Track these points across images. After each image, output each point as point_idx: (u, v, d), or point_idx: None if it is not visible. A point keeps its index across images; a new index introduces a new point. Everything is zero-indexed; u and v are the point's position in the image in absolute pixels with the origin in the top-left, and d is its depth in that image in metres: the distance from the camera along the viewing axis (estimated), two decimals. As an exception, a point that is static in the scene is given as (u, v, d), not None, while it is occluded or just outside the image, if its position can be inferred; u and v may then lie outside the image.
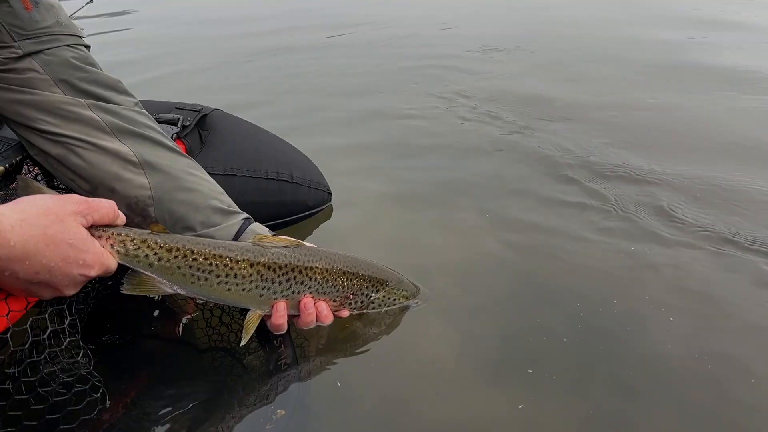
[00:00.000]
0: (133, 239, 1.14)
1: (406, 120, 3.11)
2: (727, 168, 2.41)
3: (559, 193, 2.24)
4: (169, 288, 1.19)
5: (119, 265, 1.13)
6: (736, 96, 3.38)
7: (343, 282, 1.35)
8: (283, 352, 1.32)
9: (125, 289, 1.17)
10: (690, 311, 1.57)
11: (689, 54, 4.35)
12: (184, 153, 1.40)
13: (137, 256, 1.14)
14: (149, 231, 1.17)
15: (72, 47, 1.29)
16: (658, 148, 2.65)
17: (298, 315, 1.31)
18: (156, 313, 1.51)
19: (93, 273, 1.05)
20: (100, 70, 1.34)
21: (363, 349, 1.43)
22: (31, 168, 1.37)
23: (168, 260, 1.16)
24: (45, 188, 1.13)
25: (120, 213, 1.14)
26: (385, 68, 4.22)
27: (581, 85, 3.66)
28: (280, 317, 1.31)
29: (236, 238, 1.33)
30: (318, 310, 1.31)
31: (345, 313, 1.40)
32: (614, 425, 1.23)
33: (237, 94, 3.63)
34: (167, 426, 1.16)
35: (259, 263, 1.23)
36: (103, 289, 1.37)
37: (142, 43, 5.46)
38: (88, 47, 1.35)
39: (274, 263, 1.24)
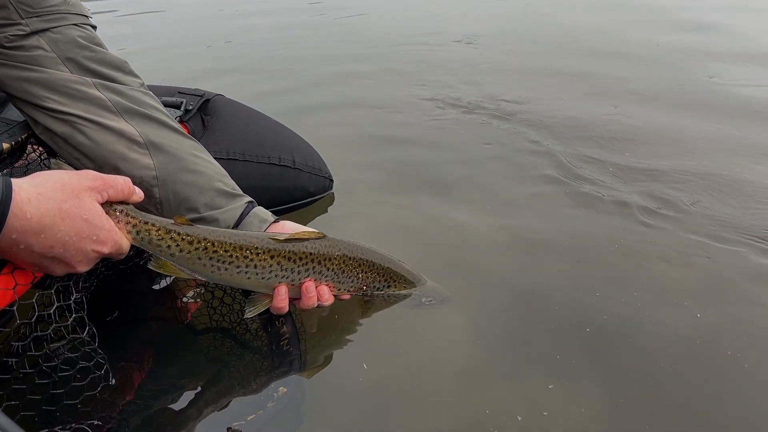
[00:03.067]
0: (158, 229, 1.17)
1: (409, 109, 3.12)
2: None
3: (574, 183, 2.24)
4: (188, 274, 1.23)
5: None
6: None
7: (358, 273, 1.39)
8: (285, 332, 1.33)
9: (151, 266, 1.21)
10: (714, 303, 1.57)
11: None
12: (189, 135, 1.41)
13: (159, 246, 1.18)
14: (172, 221, 1.20)
15: (79, 26, 1.29)
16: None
17: (299, 297, 1.33)
18: (157, 287, 1.52)
19: (106, 250, 1.06)
20: (106, 50, 1.34)
21: (369, 332, 1.44)
22: (35, 147, 1.37)
23: (189, 252, 1.19)
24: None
25: (136, 189, 1.15)
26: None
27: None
28: (281, 300, 1.33)
29: (239, 221, 1.34)
30: (320, 293, 1.33)
31: (346, 296, 1.41)
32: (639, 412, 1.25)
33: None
34: (169, 405, 1.17)
35: (279, 254, 1.26)
36: (105, 270, 1.37)
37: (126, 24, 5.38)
38: (94, 27, 1.36)
39: (294, 254, 1.28)
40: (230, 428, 1.08)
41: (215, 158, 1.44)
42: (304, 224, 1.41)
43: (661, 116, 2.94)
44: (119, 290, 1.48)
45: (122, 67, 1.35)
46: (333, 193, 2.09)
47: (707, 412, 1.26)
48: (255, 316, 1.29)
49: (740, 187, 2.20)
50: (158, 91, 1.78)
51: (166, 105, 1.78)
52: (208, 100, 1.92)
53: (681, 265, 1.74)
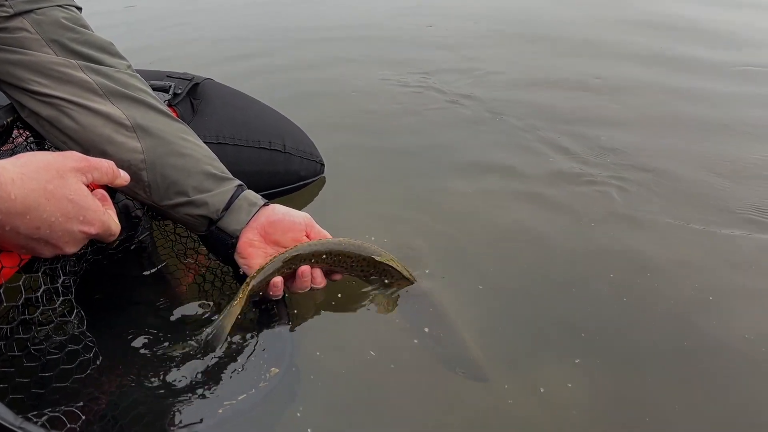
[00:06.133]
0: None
1: (399, 92, 3.11)
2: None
3: (574, 167, 2.26)
4: None
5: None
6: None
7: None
8: (277, 314, 1.33)
9: None
10: (734, 289, 1.58)
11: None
12: (177, 118, 1.40)
13: None
14: None
15: (63, 8, 1.27)
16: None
17: (293, 280, 1.33)
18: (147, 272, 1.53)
19: (93, 231, 1.05)
20: (92, 31, 1.33)
21: (363, 315, 1.44)
22: (21, 131, 1.36)
23: None
24: None
25: (121, 172, 1.14)
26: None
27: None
28: (277, 290, 1.34)
29: (229, 204, 1.34)
30: (313, 276, 1.34)
31: (338, 277, 1.42)
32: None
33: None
34: (159, 387, 1.17)
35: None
36: (95, 254, 1.37)
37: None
38: (79, 8, 1.34)
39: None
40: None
41: (205, 142, 1.43)
42: (296, 208, 1.41)
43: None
44: (109, 274, 1.47)
45: (108, 49, 1.33)
46: (324, 177, 2.09)
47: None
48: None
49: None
50: (146, 75, 1.77)
51: (155, 89, 1.76)
52: (197, 84, 1.91)
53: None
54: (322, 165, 2.05)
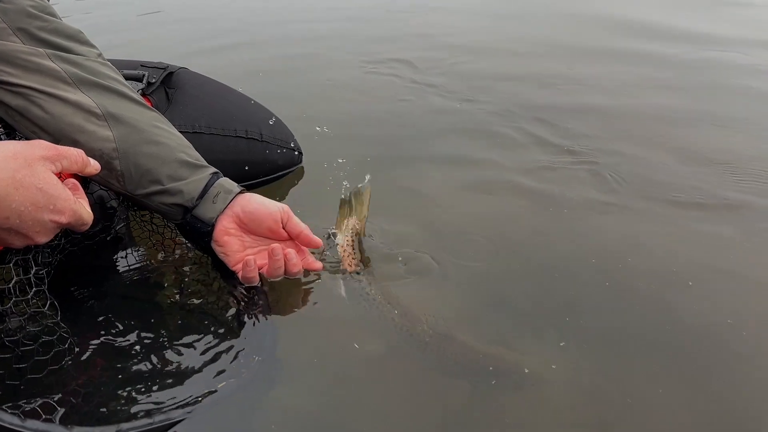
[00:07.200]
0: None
1: (376, 81, 3.10)
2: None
3: (551, 153, 2.29)
4: None
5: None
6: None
7: None
8: (258, 302, 1.33)
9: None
10: (713, 273, 1.60)
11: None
12: (150, 106, 1.38)
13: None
14: None
15: (30, -5, 1.25)
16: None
17: (268, 263, 1.34)
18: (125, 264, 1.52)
19: (64, 220, 1.04)
20: (60, 19, 1.30)
21: (343, 304, 1.44)
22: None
23: None
24: None
25: (91, 161, 1.12)
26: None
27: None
28: (251, 270, 1.33)
29: (204, 192, 1.33)
30: (286, 258, 1.33)
31: (318, 266, 1.42)
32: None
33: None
34: (137, 377, 1.17)
35: None
36: (70, 245, 1.35)
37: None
38: (47, -3, 1.32)
39: None
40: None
41: (180, 132, 1.41)
42: (275, 198, 1.40)
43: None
44: (85, 265, 1.46)
45: (77, 37, 1.31)
46: (302, 167, 2.08)
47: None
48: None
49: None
50: (119, 64, 1.74)
51: (129, 78, 1.74)
52: (171, 73, 1.88)
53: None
54: (300, 154, 2.04)
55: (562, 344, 1.34)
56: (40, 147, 1.02)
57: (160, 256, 1.55)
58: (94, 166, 1.13)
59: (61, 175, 1.11)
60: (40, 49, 1.23)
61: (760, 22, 4.48)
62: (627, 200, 1.94)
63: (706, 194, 1.97)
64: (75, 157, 1.07)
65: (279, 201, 1.40)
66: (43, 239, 1.03)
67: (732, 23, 4.31)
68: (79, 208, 1.07)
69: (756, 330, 1.40)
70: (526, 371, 1.26)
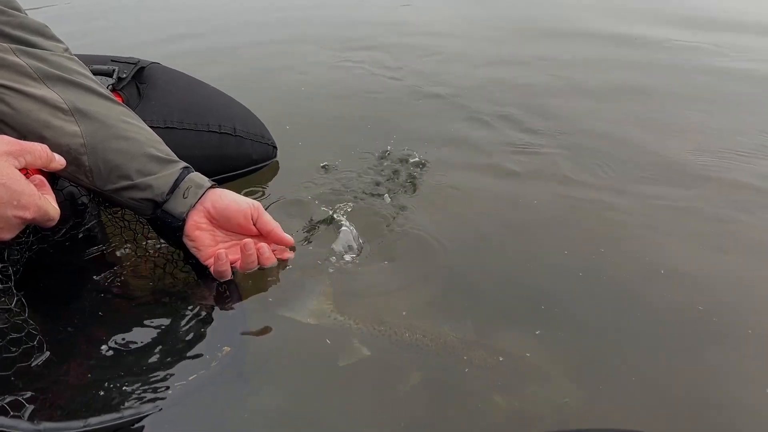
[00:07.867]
0: None
1: (351, 73, 3.11)
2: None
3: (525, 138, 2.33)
4: None
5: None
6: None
7: None
8: (228, 294, 1.33)
9: None
10: (686, 260, 1.63)
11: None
12: (119, 101, 1.38)
13: None
14: None
15: (-8, -10, 1.23)
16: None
17: (240, 258, 1.34)
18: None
19: (29, 215, 1.03)
20: (25, 14, 1.29)
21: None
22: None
23: None
24: None
25: (56, 156, 1.12)
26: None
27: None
28: (222, 264, 1.33)
29: (175, 186, 1.33)
30: (259, 252, 1.33)
31: (289, 255, 1.43)
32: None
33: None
34: (108, 372, 1.16)
35: None
36: (39, 242, 1.34)
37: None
38: (11, -10, 1.30)
39: None
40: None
41: (152, 127, 1.41)
42: (249, 193, 1.41)
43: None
44: (56, 262, 1.45)
45: (43, 32, 1.30)
46: (277, 161, 2.07)
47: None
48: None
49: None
50: (88, 59, 1.73)
51: (98, 73, 1.73)
52: (143, 68, 1.87)
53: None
54: (275, 148, 2.03)
55: (537, 332, 1.36)
56: (3, 142, 1.01)
57: (131, 250, 1.54)
58: (59, 161, 1.12)
59: (28, 172, 1.10)
60: (4, 44, 1.21)
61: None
62: (600, 186, 1.98)
63: (676, 176, 2.02)
64: (39, 152, 1.06)
65: (254, 195, 1.40)
66: (7, 235, 1.03)
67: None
68: (45, 203, 1.06)
69: (727, 317, 1.44)
70: (501, 359, 1.28)
